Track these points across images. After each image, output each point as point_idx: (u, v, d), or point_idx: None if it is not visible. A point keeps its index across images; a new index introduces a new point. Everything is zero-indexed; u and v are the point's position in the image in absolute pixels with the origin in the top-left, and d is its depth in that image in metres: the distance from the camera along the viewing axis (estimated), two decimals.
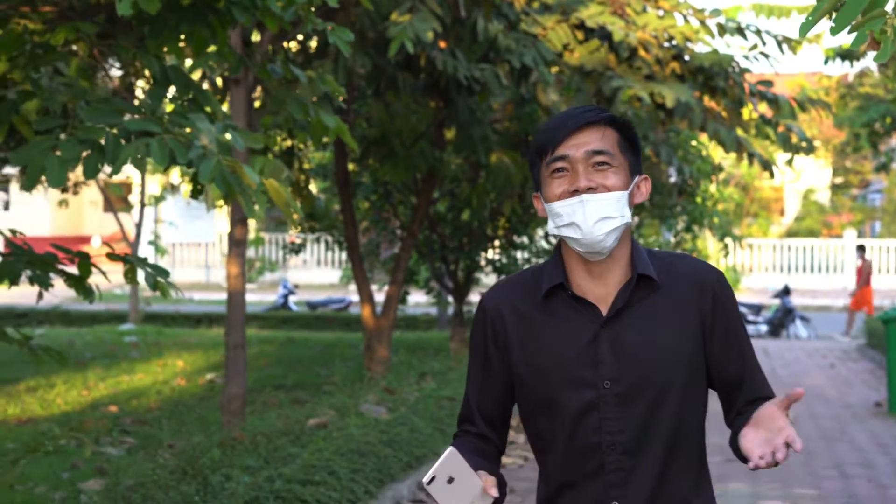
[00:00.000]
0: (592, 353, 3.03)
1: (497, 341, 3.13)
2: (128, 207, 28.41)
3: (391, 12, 10.26)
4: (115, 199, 28.44)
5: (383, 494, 8.76)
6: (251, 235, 40.40)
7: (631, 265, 3.08)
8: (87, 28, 6.15)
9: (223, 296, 13.74)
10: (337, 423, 9.60)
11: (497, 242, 18.36)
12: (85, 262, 6.26)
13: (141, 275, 6.35)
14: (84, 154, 5.36)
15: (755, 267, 39.12)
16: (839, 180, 47.02)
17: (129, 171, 26.14)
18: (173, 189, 29.35)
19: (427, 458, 9.75)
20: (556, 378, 3.04)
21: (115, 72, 16.09)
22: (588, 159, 2.99)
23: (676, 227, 18.10)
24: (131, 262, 6.32)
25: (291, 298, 29.18)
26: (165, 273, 6.28)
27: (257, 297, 33.21)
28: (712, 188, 20.35)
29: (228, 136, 5.91)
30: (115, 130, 5.44)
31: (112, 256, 6.42)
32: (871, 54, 2.98)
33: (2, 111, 5.97)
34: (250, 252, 40.92)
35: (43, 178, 5.36)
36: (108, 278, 6.59)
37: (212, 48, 6.73)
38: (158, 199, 29.63)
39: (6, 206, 46.42)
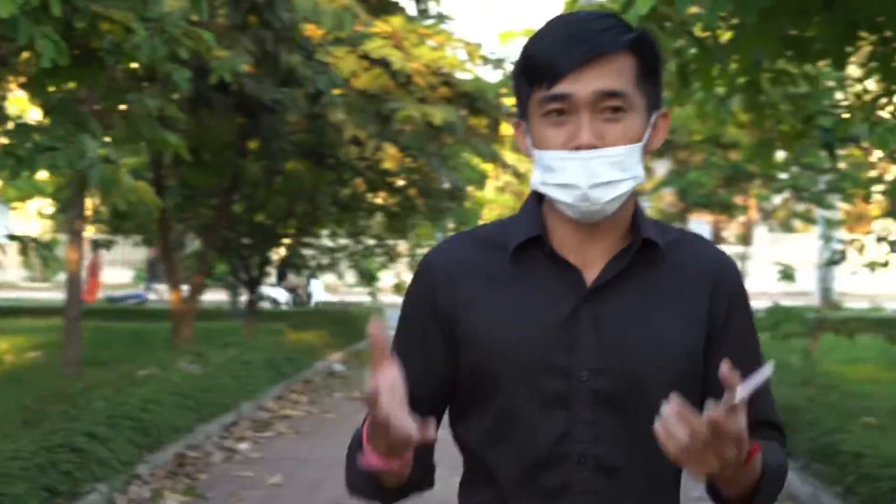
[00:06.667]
0: (568, 332, 2.24)
1: (440, 311, 2.31)
2: None
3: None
4: None
5: (218, 421, 11.52)
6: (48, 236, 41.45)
7: (632, 230, 2.30)
8: None
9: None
10: (160, 375, 11.86)
11: (287, 241, 21.00)
12: None
13: None
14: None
15: None
16: None
17: None
18: None
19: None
20: (516, 361, 2.24)
21: None
22: (596, 103, 2.18)
23: None
24: None
25: None
26: None
27: (51, 294, 34.07)
28: None
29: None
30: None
31: None
32: None
33: None
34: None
35: None
36: None
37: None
38: None
39: None
